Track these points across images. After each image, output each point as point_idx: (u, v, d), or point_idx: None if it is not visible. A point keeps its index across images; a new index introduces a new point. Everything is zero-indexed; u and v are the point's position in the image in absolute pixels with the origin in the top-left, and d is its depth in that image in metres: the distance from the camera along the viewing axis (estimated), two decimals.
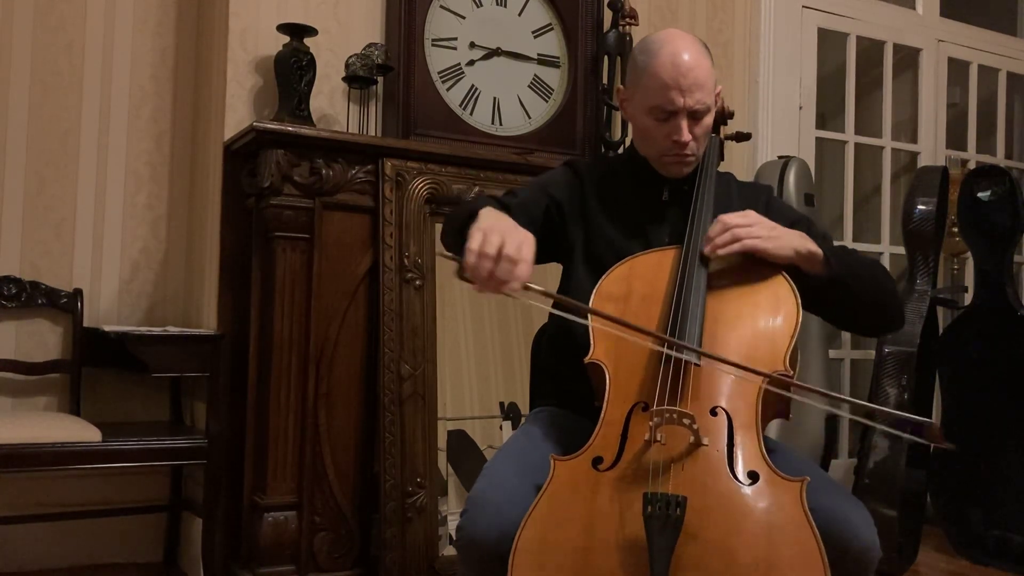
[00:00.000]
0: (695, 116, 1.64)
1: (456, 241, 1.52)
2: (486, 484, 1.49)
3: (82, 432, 2.47)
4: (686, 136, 1.64)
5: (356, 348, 2.61)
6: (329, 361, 2.57)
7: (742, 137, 1.98)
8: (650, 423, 1.37)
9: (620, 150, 3.06)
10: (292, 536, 2.49)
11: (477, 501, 1.45)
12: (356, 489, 2.60)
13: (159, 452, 2.56)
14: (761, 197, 1.78)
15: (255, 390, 2.61)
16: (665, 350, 1.44)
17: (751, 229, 1.56)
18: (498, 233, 1.39)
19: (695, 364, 1.44)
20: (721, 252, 1.55)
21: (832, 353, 3.80)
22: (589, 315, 1.51)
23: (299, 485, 2.52)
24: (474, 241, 1.38)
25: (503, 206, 1.67)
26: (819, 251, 1.58)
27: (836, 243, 1.73)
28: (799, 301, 1.54)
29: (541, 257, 1.52)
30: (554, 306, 1.58)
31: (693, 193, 1.69)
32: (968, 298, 3.47)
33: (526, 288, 1.38)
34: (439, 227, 2.70)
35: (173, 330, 2.68)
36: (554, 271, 1.79)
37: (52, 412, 2.79)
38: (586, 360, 1.51)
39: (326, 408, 2.56)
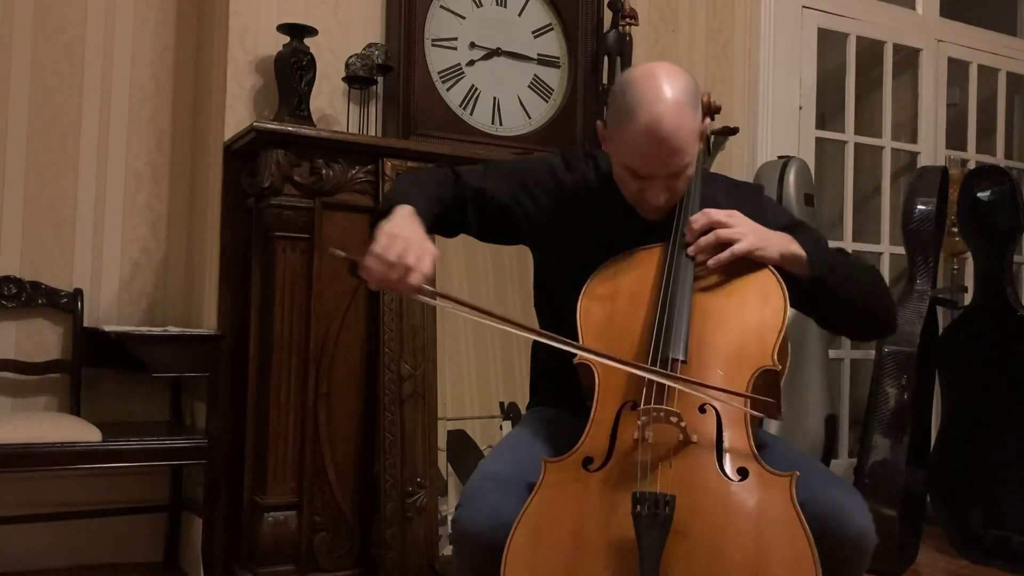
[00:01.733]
0: (673, 176, 1.55)
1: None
2: (480, 479, 1.50)
3: (82, 432, 2.47)
4: (659, 201, 1.58)
5: (356, 348, 2.61)
6: (329, 361, 2.57)
7: (728, 131, 1.96)
8: (638, 422, 1.38)
9: None
10: (292, 536, 2.49)
11: (471, 495, 1.46)
12: (356, 489, 2.60)
13: (159, 452, 2.56)
14: (751, 197, 1.74)
15: (255, 390, 2.61)
16: (646, 375, 1.42)
17: (734, 231, 1.53)
18: (402, 240, 1.42)
19: (682, 361, 1.45)
20: (711, 263, 1.53)
21: (832, 353, 3.79)
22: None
23: (299, 485, 2.52)
24: (376, 244, 1.41)
25: (459, 184, 1.69)
26: (803, 253, 1.56)
27: (836, 246, 1.71)
28: (787, 295, 1.53)
29: (488, 238, 1.65)
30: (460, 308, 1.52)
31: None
32: (968, 298, 3.47)
33: (420, 291, 1.44)
34: None
35: (173, 330, 2.68)
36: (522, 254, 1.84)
37: (52, 412, 2.79)
38: (575, 361, 1.51)
39: (326, 408, 2.56)
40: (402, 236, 1.43)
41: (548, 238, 1.73)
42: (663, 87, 1.50)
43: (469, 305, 1.45)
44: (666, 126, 1.48)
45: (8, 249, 2.85)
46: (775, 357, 1.47)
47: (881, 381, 3.15)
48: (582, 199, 1.72)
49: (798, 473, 1.34)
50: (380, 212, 1.60)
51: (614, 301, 1.57)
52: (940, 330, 3.38)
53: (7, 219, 2.85)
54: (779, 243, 1.56)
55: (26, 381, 2.83)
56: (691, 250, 1.54)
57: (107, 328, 2.68)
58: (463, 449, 2.68)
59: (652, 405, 1.38)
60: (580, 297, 1.58)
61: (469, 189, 1.70)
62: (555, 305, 1.68)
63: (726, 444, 1.38)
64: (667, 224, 1.63)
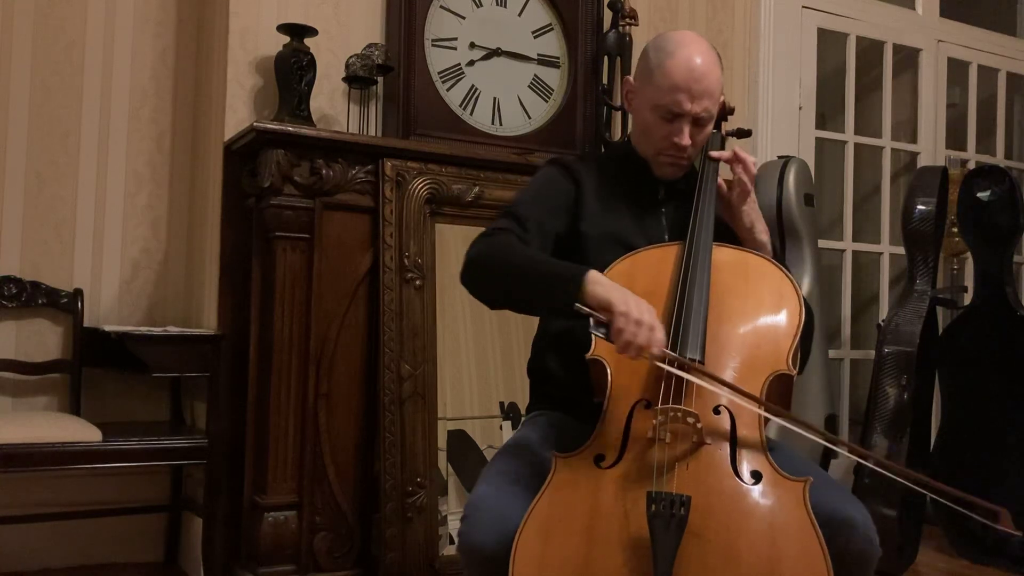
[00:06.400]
0: (698, 123, 1.68)
1: (525, 294, 1.54)
2: (484, 489, 1.49)
3: (82, 432, 2.47)
4: (686, 140, 1.68)
5: (356, 348, 2.61)
6: (329, 361, 2.57)
7: (743, 133, 1.98)
8: (654, 421, 1.37)
9: None
10: (292, 536, 2.49)
11: (476, 506, 1.46)
12: (356, 489, 2.60)
13: (159, 452, 2.56)
14: None
15: (255, 390, 2.61)
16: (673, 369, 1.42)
17: (751, 182, 1.69)
18: (638, 300, 1.42)
19: (699, 361, 1.44)
20: (714, 153, 1.71)
21: (832, 353, 3.79)
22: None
23: (299, 485, 2.52)
24: (619, 304, 1.39)
25: (523, 235, 1.62)
26: (768, 243, 1.68)
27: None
28: (801, 299, 1.54)
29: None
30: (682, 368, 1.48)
31: (689, 190, 1.72)
32: (968, 298, 3.47)
33: (664, 355, 1.40)
34: (439, 227, 2.70)
35: (173, 330, 2.68)
36: None
37: (52, 412, 2.79)
38: (588, 356, 1.51)
39: (326, 408, 2.56)
40: (635, 296, 1.42)
41: (577, 224, 1.74)
42: (697, 38, 1.70)
43: (714, 378, 1.41)
44: (703, 62, 1.65)
45: (8, 249, 2.85)
46: (790, 362, 1.47)
47: (881, 381, 3.15)
48: (598, 184, 1.77)
49: (811, 478, 1.34)
50: (544, 278, 1.52)
51: None
52: (940, 330, 3.38)
53: (7, 219, 2.85)
54: (761, 221, 1.70)
55: (26, 381, 2.83)
56: (715, 152, 1.72)
57: (107, 328, 2.68)
58: (463, 449, 2.68)
59: (670, 405, 1.38)
60: None
61: (532, 232, 1.65)
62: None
63: (740, 447, 1.38)
64: (679, 198, 1.74)
